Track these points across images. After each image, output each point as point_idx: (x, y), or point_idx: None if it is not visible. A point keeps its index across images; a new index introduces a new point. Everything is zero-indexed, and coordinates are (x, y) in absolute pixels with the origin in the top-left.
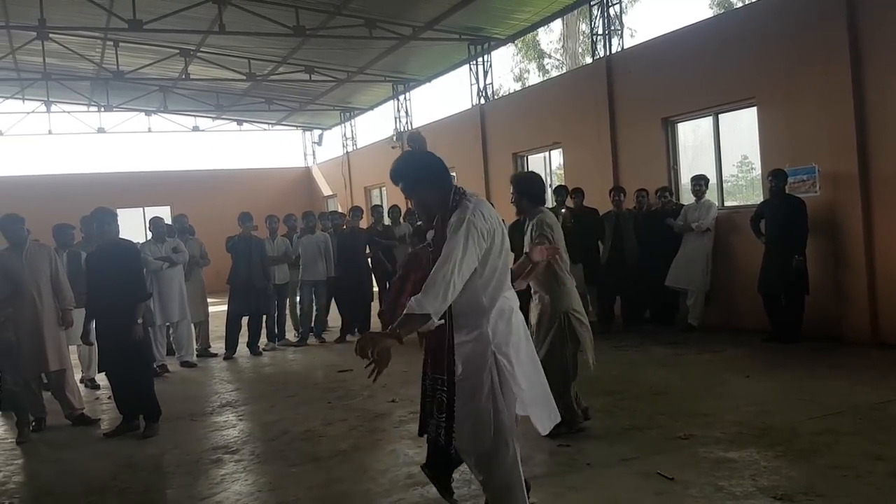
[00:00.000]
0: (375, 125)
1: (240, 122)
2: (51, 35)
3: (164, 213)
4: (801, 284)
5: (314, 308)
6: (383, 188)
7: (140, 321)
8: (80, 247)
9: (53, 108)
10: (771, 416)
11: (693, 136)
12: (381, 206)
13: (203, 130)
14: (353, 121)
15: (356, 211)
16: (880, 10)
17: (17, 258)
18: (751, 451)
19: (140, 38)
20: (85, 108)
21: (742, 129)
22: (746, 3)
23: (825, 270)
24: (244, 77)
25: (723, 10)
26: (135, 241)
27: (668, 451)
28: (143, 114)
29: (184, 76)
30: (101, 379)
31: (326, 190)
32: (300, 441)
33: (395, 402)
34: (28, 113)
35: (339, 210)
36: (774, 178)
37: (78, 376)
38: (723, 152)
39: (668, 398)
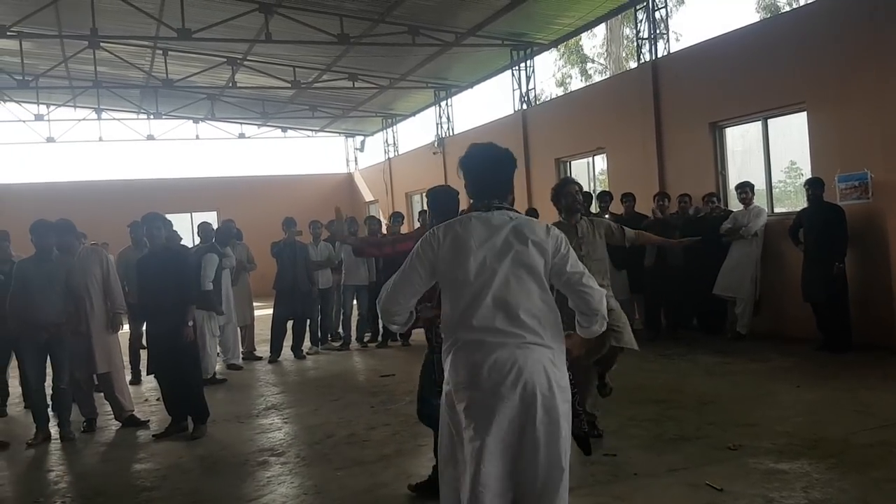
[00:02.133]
0: (417, 131)
1: (284, 129)
2: (102, 44)
3: (211, 218)
4: (842, 292)
5: (356, 313)
6: (424, 194)
7: (191, 323)
8: (129, 251)
9: (104, 115)
10: (822, 426)
11: (742, 140)
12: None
13: (249, 137)
14: (394, 127)
15: (397, 216)
16: None
17: (72, 260)
18: (802, 462)
19: (188, 47)
20: (135, 115)
21: (792, 133)
22: (794, 6)
23: (877, 278)
24: (289, 85)
25: (769, 14)
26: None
27: (717, 462)
28: (191, 121)
29: (231, 84)
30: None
31: (368, 196)
32: (344, 445)
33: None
34: (79, 120)
35: (378, 216)
36: (812, 186)
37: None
38: (772, 158)
39: (716, 408)
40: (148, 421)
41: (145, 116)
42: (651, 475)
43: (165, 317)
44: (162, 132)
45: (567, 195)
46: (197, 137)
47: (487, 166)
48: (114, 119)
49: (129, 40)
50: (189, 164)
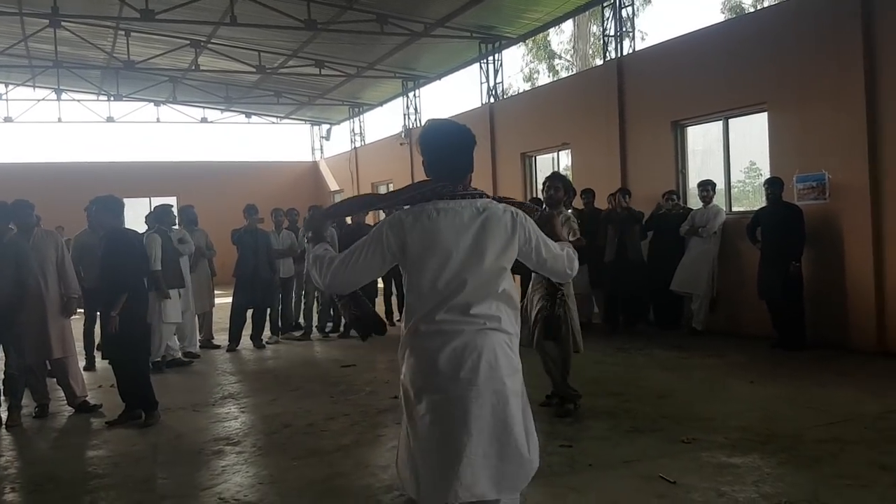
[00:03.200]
0: (384, 121)
1: (248, 115)
2: (63, 23)
3: (170, 203)
4: (797, 291)
5: (318, 302)
6: (391, 184)
7: (115, 313)
8: (85, 235)
9: (64, 96)
10: (775, 422)
11: (703, 140)
12: None
13: (211, 122)
14: (361, 116)
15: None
16: None
17: (25, 244)
18: (754, 457)
19: (151, 28)
20: (95, 97)
21: (752, 134)
22: (758, 7)
23: (832, 278)
24: (254, 70)
25: (734, 15)
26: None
27: (671, 455)
28: (153, 104)
29: (194, 67)
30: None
31: (333, 185)
32: (302, 435)
33: (398, 398)
34: (39, 100)
35: None
36: (771, 185)
37: (81, 363)
38: (732, 157)
39: (671, 402)
40: (100, 406)
41: (106, 98)
42: (606, 467)
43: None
44: (122, 114)
45: (549, 189)
46: (158, 121)
47: (450, 142)
48: (74, 100)
49: (90, 20)
50: (149, 148)
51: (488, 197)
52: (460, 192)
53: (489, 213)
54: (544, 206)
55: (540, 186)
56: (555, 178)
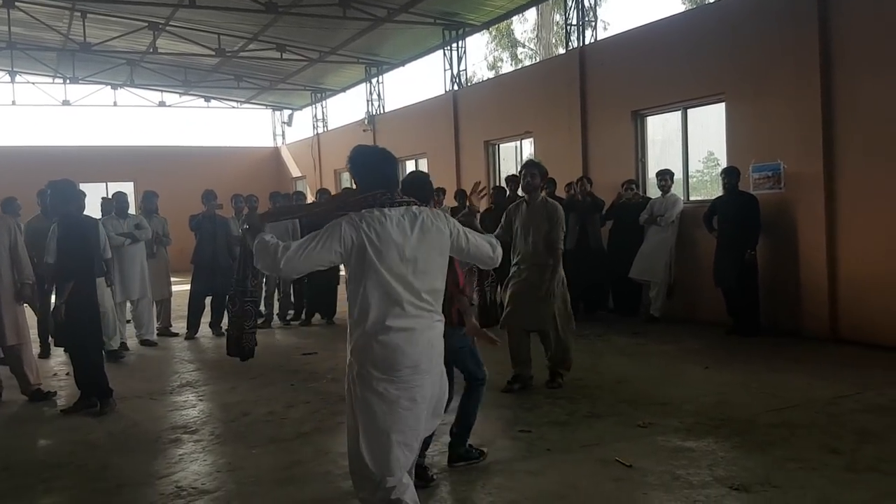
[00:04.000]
0: (347, 107)
1: (207, 99)
2: (17, 3)
3: (128, 188)
4: (752, 279)
5: (279, 290)
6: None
7: (60, 302)
8: (38, 220)
9: (18, 78)
10: (729, 407)
11: (662, 130)
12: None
13: (170, 106)
14: (324, 102)
15: (323, 193)
16: (852, 11)
17: None
18: (708, 441)
19: (108, 10)
20: (50, 79)
21: (710, 124)
22: None
23: (786, 266)
24: (213, 53)
25: (695, 6)
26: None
27: (628, 439)
28: (110, 87)
29: (152, 50)
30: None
31: (296, 171)
32: (261, 422)
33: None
34: None
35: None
36: (728, 174)
37: (35, 350)
38: (690, 147)
39: (628, 387)
40: (55, 393)
41: (61, 81)
42: (564, 451)
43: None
44: (78, 98)
45: (526, 176)
46: (115, 104)
47: (379, 159)
48: (28, 83)
49: (46, 0)
50: (106, 132)
51: (416, 204)
52: (398, 200)
53: (423, 216)
54: (508, 191)
55: (502, 174)
56: (531, 166)
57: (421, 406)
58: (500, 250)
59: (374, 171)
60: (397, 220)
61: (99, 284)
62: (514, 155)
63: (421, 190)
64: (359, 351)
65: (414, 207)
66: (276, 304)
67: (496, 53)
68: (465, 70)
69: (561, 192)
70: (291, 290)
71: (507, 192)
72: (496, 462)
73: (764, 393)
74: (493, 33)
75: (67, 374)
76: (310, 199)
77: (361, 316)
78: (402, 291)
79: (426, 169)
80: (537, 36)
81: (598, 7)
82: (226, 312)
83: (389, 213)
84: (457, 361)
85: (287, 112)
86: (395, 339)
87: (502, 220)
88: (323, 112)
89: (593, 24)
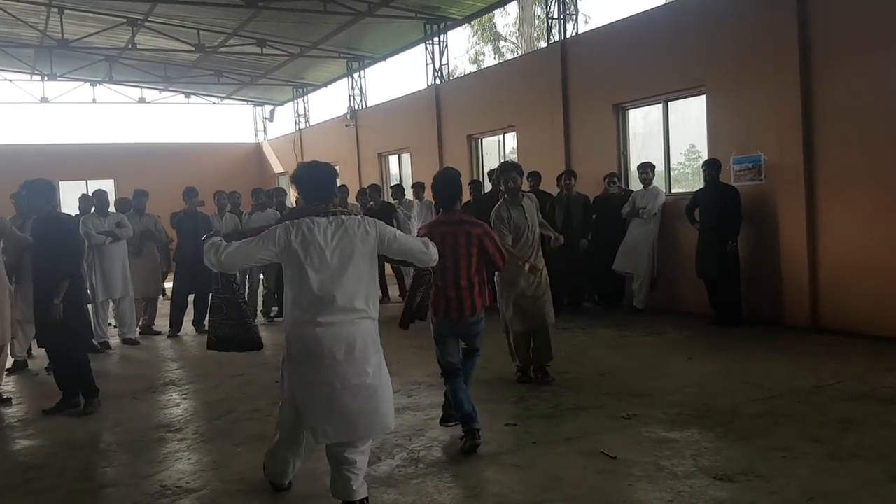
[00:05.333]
0: (329, 103)
1: (187, 95)
2: None
3: (108, 186)
4: (734, 270)
5: (262, 287)
6: (336, 165)
7: (58, 301)
8: (14, 220)
9: None
10: (712, 397)
11: (643, 122)
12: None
13: (149, 102)
14: (306, 97)
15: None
16: (829, 2)
17: None
18: (692, 431)
19: (86, 6)
20: (28, 76)
21: (691, 117)
22: None
23: (767, 257)
24: (193, 49)
25: None
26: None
27: (612, 431)
28: (88, 84)
29: (130, 46)
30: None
31: (278, 167)
32: (246, 420)
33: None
34: None
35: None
36: (709, 167)
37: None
38: (671, 140)
39: (612, 379)
40: (9, 399)
41: (39, 78)
42: (549, 443)
43: (47, 289)
44: (57, 95)
45: (507, 182)
46: (94, 101)
47: (315, 175)
48: (5, 80)
49: None
50: (86, 130)
51: (348, 214)
52: (330, 210)
53: (347, 223)
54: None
55: (485, 168)
56: (510, 170)
57: (341, 391)
58: (432, 249)
59: (311, 186)
60: (324, 227)
61: None
62: (496, 149)
63: (450, 188)
64: (289, 340)
65: (342, 217)
66: (260, 302)
67: (478, 47)
68: (448, 64)
69: (552, 185)
70: (276, 288)
71: (483, 188)
72: (482, 455)
73: (746, 383)
74: (475, 27)
75: (41, 371)
76: (291, 195)
77: (292, 309)
78: (326, 289)
79: (408, 163)
80: (519, 29)
81: (578, 0)
82: (210, 315)
83: (318, 221)
84: (476, 336)
85: (268, 108)
86: (318, 332)
87: (498, 226)
88: (305, 107)
89: (574, 17)
